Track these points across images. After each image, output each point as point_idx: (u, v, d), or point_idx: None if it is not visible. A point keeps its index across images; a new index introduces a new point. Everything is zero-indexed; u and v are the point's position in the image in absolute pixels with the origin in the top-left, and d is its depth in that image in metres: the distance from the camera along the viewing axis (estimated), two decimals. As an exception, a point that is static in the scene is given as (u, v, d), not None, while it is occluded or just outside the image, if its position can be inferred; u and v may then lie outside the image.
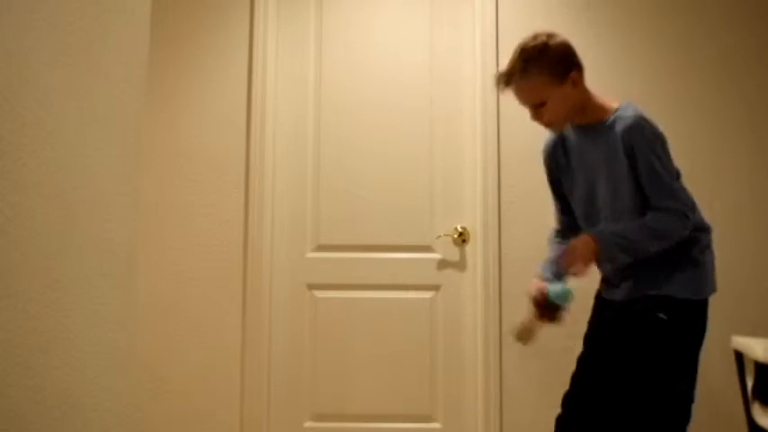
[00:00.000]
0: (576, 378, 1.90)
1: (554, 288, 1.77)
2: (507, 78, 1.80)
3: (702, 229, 1.84)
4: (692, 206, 1.78)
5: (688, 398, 1.77)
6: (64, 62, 1.05)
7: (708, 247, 1.83)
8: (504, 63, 2.73)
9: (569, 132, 1.93)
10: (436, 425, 2.70)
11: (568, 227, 2.00)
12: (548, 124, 1.85)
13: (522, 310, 2.65)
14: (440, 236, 2.75)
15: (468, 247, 2.75)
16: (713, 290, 1.82)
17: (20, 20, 0.94)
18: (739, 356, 2.15)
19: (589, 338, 1.93)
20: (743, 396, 2.13)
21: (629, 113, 1.80)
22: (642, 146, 1.76)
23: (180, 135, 2.80)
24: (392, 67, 2.85)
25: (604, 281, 1.94)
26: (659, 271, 1.77)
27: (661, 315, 1.74)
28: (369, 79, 2.85)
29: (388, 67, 2.85)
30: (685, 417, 1.76)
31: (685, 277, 1.77)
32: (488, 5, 2.77)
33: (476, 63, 2.79)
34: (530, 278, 2.67)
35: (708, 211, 2.62)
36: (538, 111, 1.81)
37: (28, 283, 0.96)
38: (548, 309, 1.79)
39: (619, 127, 1.79)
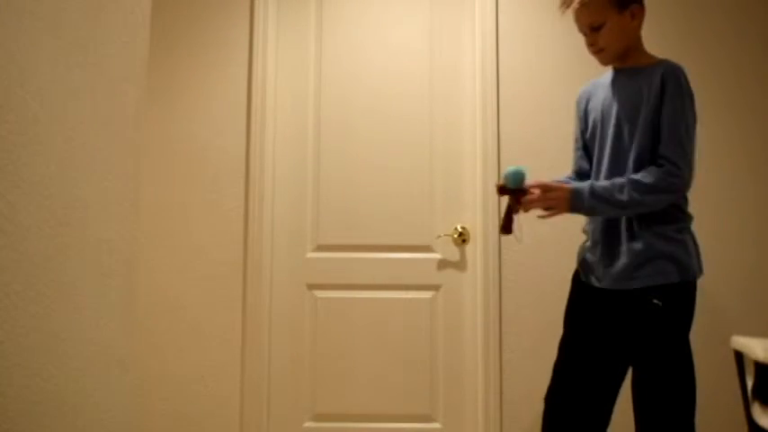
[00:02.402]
0: (565, 371, 1.88)
1: (508, 169, 1.87)
2: None
3: (685, 214, 1.83)
4: (691, 170, 1.77)
5: (693, 382, 1.77)
6: (64, 62, 1.05)
7: (688, 230, 1.83)
8: (504, 62, 2.75)
9: (604, 81, 1.96)
10: (436, 425, 2.70)
11: (580, 170, 2.04)
12: (599, 52, 1.88)
13: (522, 310, 2.66)
14: (440, 236, 2.75)
15: (468, 247, 2.75)
16: (700, 271, 1.82)
17: (20, 20, 0.94)
18: (739, 356, 2.15)
19: (575, 328, 1.91)
20: (743, 396, 2.13)
21: (673, 62, 1.84)
22: (674, 92, 1.78)
23: (180, 135, 2.81)
24: (392, 66, 2.85)
25: (584, 265, 1.94)
26: (644, 258, 1.77)
27: (656, 301, 1.74)
28: (369, 79, 2.85)
29: (388, 66, 2.85)
30: (693, 402, 1.77)
31: (671, 261, 1.77)
32: (488, 6, 2.78)
33: (476, 63, 2.79)
34: (530, 278, 2.69)
35: (707, 211, 2.63)
36: (593, 35, 1.85)
37: (28, 283, 0.96)
38: (507, 191, 1.87)
39: (658, 70, 1.81)
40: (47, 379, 1.00)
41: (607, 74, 1.99)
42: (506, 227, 1.88)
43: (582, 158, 2.03)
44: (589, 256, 1.91)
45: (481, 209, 2.71)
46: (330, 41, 2.88)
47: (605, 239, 1.85)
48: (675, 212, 1.81)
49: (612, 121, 1.86)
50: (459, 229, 2.74)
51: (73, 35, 1.08)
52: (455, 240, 2.74)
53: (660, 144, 1.77)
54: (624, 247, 1.80)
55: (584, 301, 1.91)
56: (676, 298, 1.76)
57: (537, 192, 1.81)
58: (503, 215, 1.89)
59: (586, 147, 2.02)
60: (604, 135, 1.89)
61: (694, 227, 1.85)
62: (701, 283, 2.63)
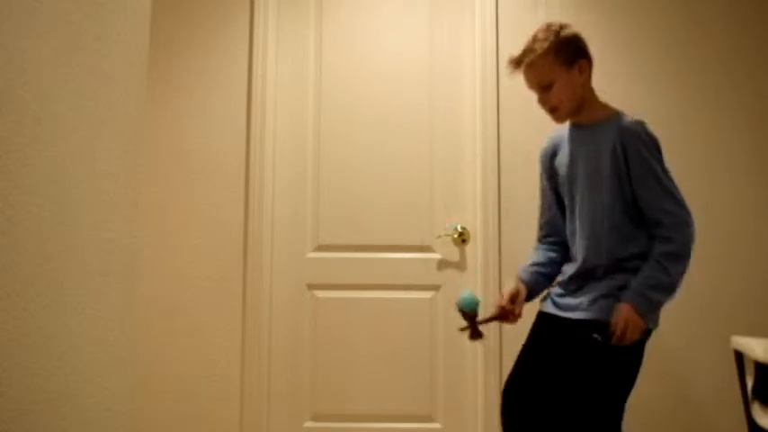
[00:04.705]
0: (512, 394, 1.92)
1: (462, 295, 1.90)
2: (519, 58, 1.86)
3: (639, 258, 1.82)
4: (689, 212, 1.77)
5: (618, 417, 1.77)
6: (64, 62, 1.05)
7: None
8: (504, 63, 2.75)
9: (566, 135, 1.95)
10: (436, 425, 2.70)
11: (554, 229, 2.02)
12: (553, 110, 1.88)
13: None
14: (440, 236, 2.75)
15: (468, 247, 2.75)
16: (654, 325, 1.82)
17: (20, 20, 0.94)
18: (739, 356, 2.15)
19: (526, 353, 1.95)
20: (743, 396, 2.13)
21: (628, 118, 1.83)
22: (638, 148, 1.78)
23: (180, 135, 2.81)
24: (392, 66, 2.85)
25: (547, 295, 1.99)
26: (601, 295, 1.79)
27: (595, 335, 1.75)
28: (369, 79, 2.85)
29: (388, 66, 2.85)
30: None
31: (613, 302, 1.78)
32: (488, 5, 2.78)
33: (475, 62, 2.79)
34: (530, 278, 2.68)
35: (707, 212, 2.63)
36: (544, 93, 1.86)
37: (28, 283, 0.96)
38: (463, 314, 1.90)
39: (614, 128, 1.81)
40: (47, 379, 1.00)
41: (565, 127, 1.99)
42: (476, 333, 1.92)
43: (554, 214, 2.02)
44: (555, 289, 1.95)
45: (481, 209, 2.70)
46: (330, 42, 2.88)
47: (576, 279, 1.88)
48: (636, 260, 1.81)
49: (579, 181, 1.88)
50: (459, 229, 2.74)
51: (73, 35, 1.08)
52: (455, 240, 2.74)
53: (649, 201, 1.77)
54: (589, 286, 1.83)
55: (541, 327, 1.96)
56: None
57: (620, 328, 1.73)
58: (470, 325, 1.91)
59: (558, 203, 2.01)
60: (573, 194, 1.90)
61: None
62: (701, 283, 2.63)
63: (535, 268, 2.00)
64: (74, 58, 1.08)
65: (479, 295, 2.70)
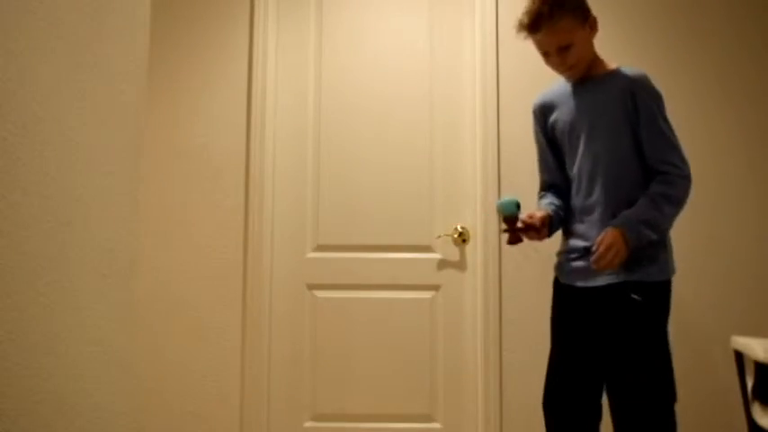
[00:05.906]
0: (557, 374, 1.92)
1: (504, 198, 1.93)
2: (535, 21, 1.83)
3: None
4: (689, 166, 1.83)
5: (671, 375, 1.82)
6: (64, 62, 1.05)
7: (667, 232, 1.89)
8: (504, 62, 2.75)
9: (563, 91, 1.98)
10: (436, 425, 2.70)
11: (555, 180, 2.05)
12: (570, 68, 1.89)
13: (522, 310, 2.66)
14: (440, 236, 2.75)
15: (468, 247, 2.75)
16: (674, 270, 1.88)
17: (20, 20, 0.94)
18: (739, 356, 2.15)
19: (563, 332, 1.95)
20: (743, 396, 2.13)
21: (634, 69, 1.87)
22: (646, 98, 1.82)
23: (180, 135, 2.81)
24: (392, 66, 2.85)
25: (566, 267, 1.96)
26: (631, 257, 1.80)
27: (634, 296, 1.78)
28: (369, 79, 2.85)
29: (388, 66, 2.85)
30: (673, 394, 1.81)
31: (652, 261, 1.82)
32: (488, 6, 2.78)
33: (476, 63, 2.79)
34: (530, 278, 2.69)
35: (705, 210, 2.63)
36: (562, 54, 1.85)
37: (28, 283, 0.96)
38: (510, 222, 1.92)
39: (622, 78, 1.85)
40: (47, 379, 1.00)
41: (561, 84, 2.00)
42: (514, 237, 1.93)
43: (556, 171, 2.04)
44: (573, 256, 1.94)
45: (481, 209, 2.70)
46: (330, 41, 2.88)
47: (593, 229, 1.88)
48: None
49: (584, 133, 1.89)
50: (459, 229, 2.74)
51: (73, 35, 1.08)
52: (455, 240, 2.74)
53: (654, 151, 1.81)
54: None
55: (568, 303, 1.96)
56: (655, 294, 1.82)
57: (602, 250, 1.77)
58: (508, 229, 1.93)
59: (557, 160, 2.03)
60: (575, 147, 1.91)
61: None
62: (702, 283, 2.64)
63: (553, 207, 2.00)
64: (74, 58, 1.08)
65: (479, 295, 2.70)
